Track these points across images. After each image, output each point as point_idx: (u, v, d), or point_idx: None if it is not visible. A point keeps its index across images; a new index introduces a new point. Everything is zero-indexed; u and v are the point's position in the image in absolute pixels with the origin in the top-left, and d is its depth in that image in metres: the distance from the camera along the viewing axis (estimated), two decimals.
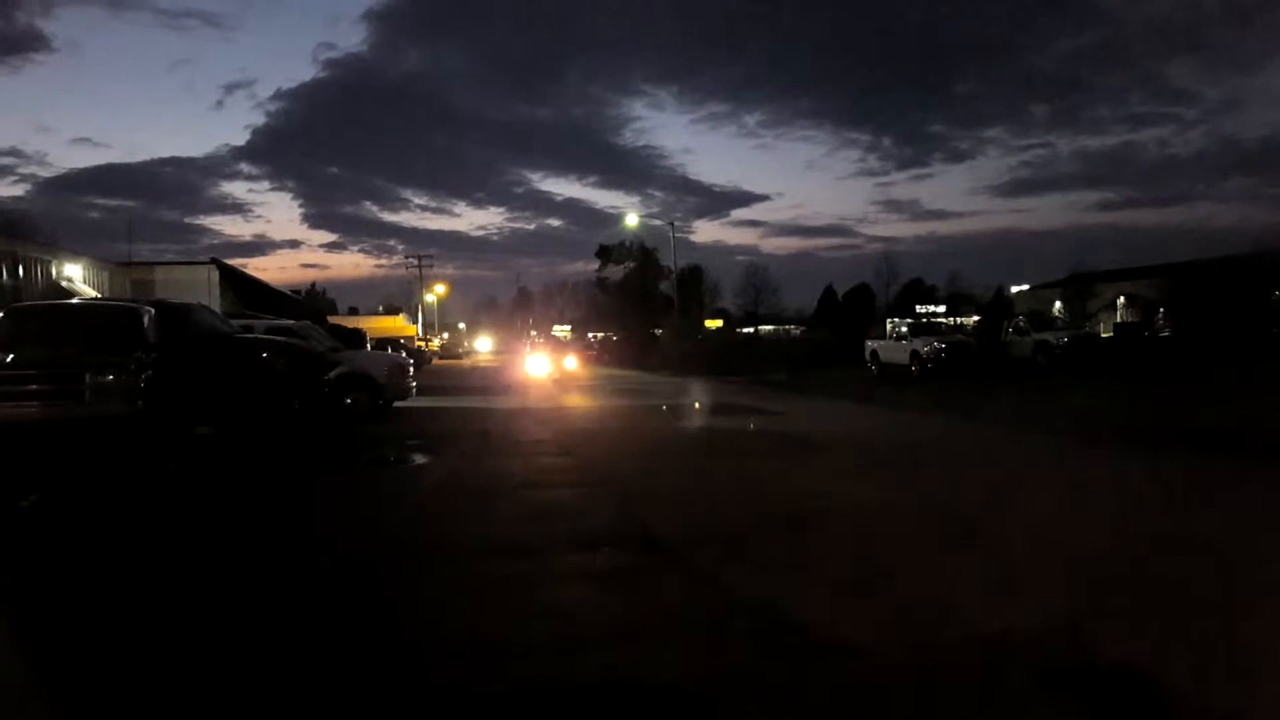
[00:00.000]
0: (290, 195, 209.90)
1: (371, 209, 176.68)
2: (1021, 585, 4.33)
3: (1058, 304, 48.79)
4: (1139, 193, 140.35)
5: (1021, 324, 28.14)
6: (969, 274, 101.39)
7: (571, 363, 31.72)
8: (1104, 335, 32.06)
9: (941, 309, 74.03)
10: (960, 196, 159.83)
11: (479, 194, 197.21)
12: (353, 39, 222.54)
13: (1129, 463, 8.54)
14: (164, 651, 3.57)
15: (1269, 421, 10.35)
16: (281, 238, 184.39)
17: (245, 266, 34.49)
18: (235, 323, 13.39)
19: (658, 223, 61.62)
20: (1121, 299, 47.21)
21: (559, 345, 44.97)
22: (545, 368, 30.15)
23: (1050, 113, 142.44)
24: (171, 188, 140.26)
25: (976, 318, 50.44)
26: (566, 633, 3.78)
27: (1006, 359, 25.91)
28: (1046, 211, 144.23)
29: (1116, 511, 6.22)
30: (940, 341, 25.36)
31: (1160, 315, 39.77)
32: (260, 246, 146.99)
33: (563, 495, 7.41)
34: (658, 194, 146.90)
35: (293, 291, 45.13)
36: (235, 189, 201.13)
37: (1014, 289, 65.73)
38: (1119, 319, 45.78)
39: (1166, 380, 18.69)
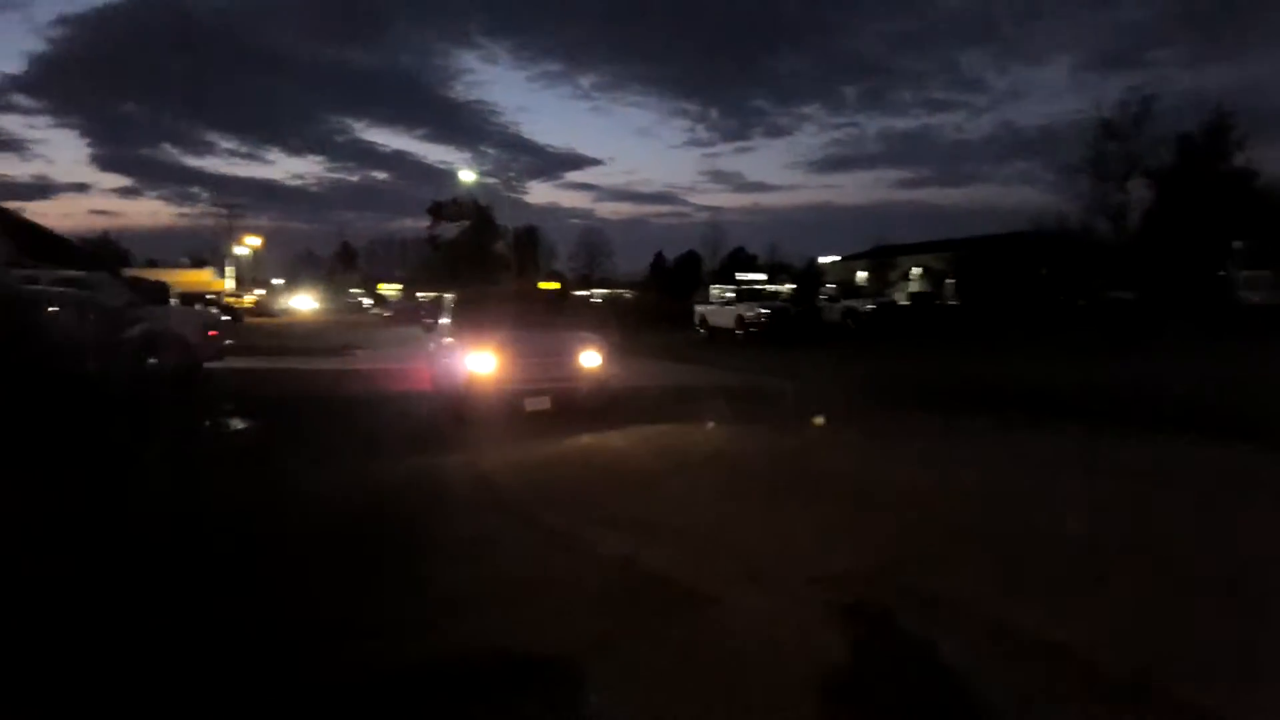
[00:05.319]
0: (76, 133, 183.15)
1: (172, 152, 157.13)
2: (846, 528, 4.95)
3: (862, 274, 53.06)
4: (935, 172, 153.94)
5: (833, 292, 30.51)
6: (787, 244, 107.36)
7: (593, 359, 9.23)
8: (903, 303, 35.30)
9: (763, 277, 78.01)
10: (779, 170, 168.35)
11: (295, 140, 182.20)
12: None
13: (909, 415, 9.69)
14: None
15: (1036, 379, 12.15)
16: (66, 180, 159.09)
17: (23, 211, 30.06)
18: (16, 273, 11.91)
19: (493, 181, 60.51)
20: (917, 270, 52.03)
21: (540, 311, 11.20)
22: (505, 379, 8.86)
23: (859, 94, 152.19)
24: None
25: (792, 286, 53.79)
26: (425, 603, 3.74)
27: (820, 323, 28.13)
28: (855, 188, 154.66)
29: (914, 455, 7.14)
30: (763, 307, 27.00)
31: (949, 286, 44.35)
32: (41, 189, 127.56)
33: (402, 458, 7.11)
34: (491, 151, 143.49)
35: (81, 240, 40.04)
36: (9, 123, 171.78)
37: (824, 260, 70.39)
38: (914, 289, 50.49)
39: (951, 343, 21.03)
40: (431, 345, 11.48)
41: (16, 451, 7.33)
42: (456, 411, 9.06)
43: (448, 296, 11.96)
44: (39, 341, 9.59)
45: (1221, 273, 34.67)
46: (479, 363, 8.76)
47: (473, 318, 10.12)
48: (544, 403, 8.81)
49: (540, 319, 10.38)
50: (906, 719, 2.72)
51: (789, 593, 3.74)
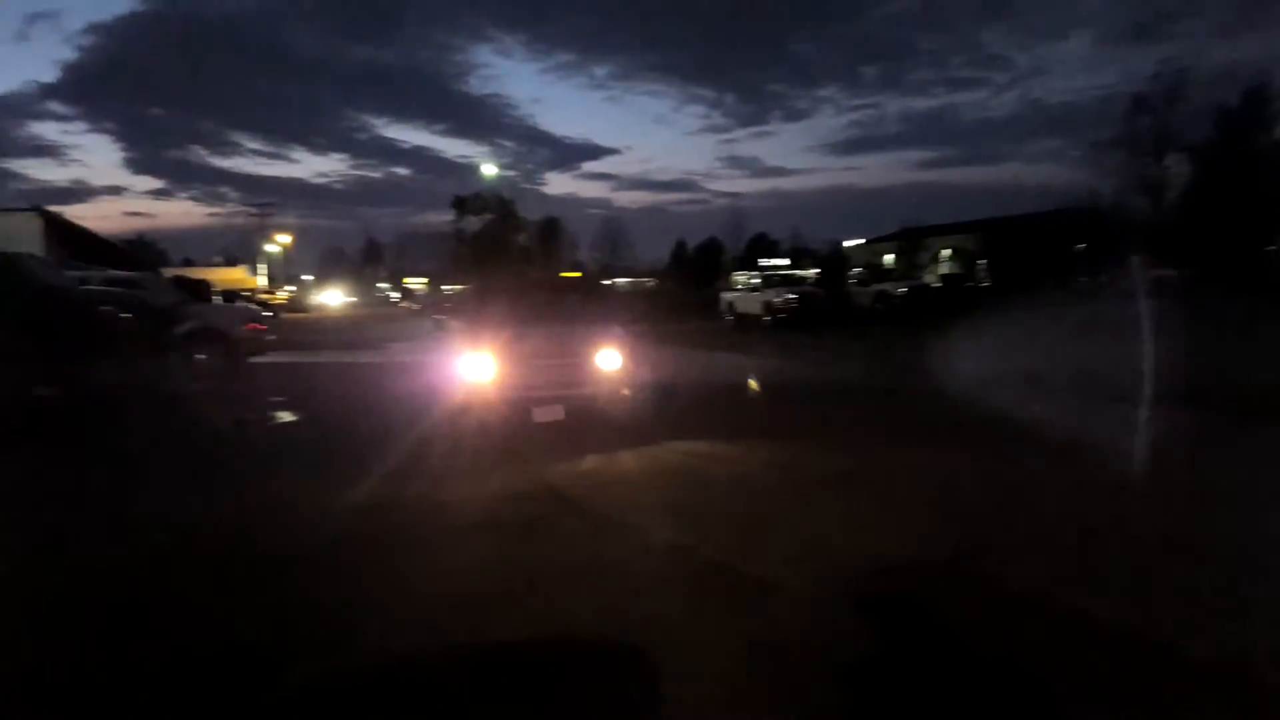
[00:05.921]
0: (110, 138, 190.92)
1: (201, 154, 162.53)
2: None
3: (889, 257, 52.44)
4: (958, 152, 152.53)
5: (863, 275, 30.26)
6: (808, 229, 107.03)
7: (614, 360, 7.87)
8: (935, 286, 34.87)
9: (786, 262, 77.61)
10: (798, 154, 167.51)
11: (319, 139, 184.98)
12: None
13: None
14: None
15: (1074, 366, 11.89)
16: (101, 184, 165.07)
17: (62, 215, 30.64)
18: (69, 274, 12.16)
19: (513, 173, 60.65)
20: (946, 252, 51.36)
21: (558, 304, 9.76)
22: (511, 385, 7.60)
23: (879, 74, 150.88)
24: None
25: (816, 270, 53.41)
26: (482, 585, 3.80)
27: (850, 308, 27.92)
28: (876, 169, 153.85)
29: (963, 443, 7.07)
30: (792, 293, 26.84)
31: (981, 266, 43.78)
32: (78, 193, 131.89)
33: (452, 447, 7.12)
34: (508, 144, 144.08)
35: (123, 242, 40.99)
36: (46, 130, 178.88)
37: (849, 243, 69.71)
38: (944, 270, 49.86)
39: (993, 325, 20.70)
40: (443, 343, 10.07)
41: (79, 439, 7.53)
42: (454, 422, 7.73)
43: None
44: (96, 339, 9.78)
45: (1270, 248, 33.71)
46: (479, 366, 7.53)
47: (479, 313, 9.07)
48: (556, 412, 7.47)
49: (556, 313, 9.09)
50: (962, 703, 2.71)
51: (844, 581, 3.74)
